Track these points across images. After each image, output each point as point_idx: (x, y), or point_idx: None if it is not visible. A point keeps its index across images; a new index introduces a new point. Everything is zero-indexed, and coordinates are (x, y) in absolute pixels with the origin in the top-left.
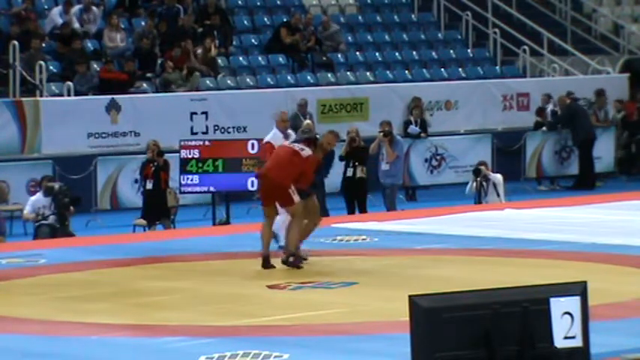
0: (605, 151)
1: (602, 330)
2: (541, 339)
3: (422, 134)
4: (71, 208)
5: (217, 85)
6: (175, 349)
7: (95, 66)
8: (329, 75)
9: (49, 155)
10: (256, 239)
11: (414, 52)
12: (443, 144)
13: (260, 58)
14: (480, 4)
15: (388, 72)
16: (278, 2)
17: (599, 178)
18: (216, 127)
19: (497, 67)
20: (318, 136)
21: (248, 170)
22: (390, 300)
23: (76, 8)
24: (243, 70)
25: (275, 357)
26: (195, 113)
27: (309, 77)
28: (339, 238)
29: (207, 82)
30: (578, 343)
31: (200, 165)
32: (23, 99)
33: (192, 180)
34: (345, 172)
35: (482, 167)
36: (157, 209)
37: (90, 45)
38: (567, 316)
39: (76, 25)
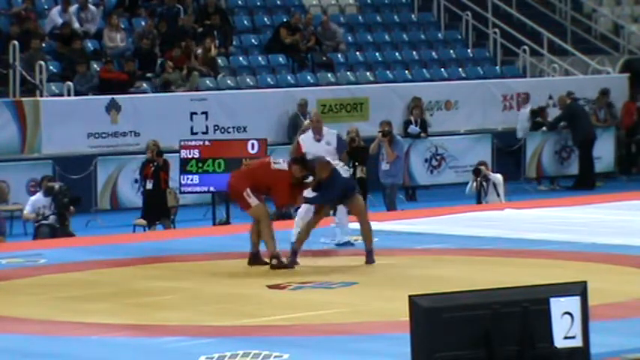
0: (605, 151)
1: (602, 330)
2: (541, 339)
3: (422, 134)
4: (71, 208)
5: (217, 85)
6: (175, 349)
7: (95, 66)
8: (329, 75)
9: (49, 155)
10: None
11: (414, 52)
12: (443, 144)
13: (260, 58)
14: (480, 4)
15: (388, 72)
16: (278, 2)
17: (599, 178)
18: (216, 127)
19: (497, 67)
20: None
21: None
22: (390, 300)
23: (74, 7)
24: (243, 70)
25: (275, 357)
26: (195, 113)
27: (309, 77)
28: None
29: (207, 82)
30: (578, 343)
31: (200, 165)
32: (23, 99)
33: (192, 180)
34: None
35: (483, 167)
36: (157, 209)
37: (90, 45)
38: (567, 316)
39: (76, 25)
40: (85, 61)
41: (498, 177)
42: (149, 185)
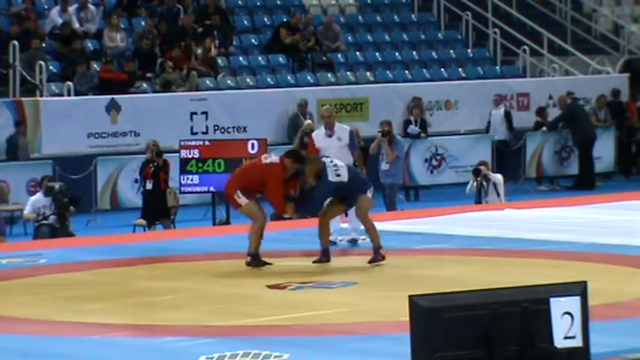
0: (605, 151)
1: (602, 330)
2: (541, 339)
3: (422, 134)
4: (71, 208)
5: (217, 85)
6: (175, 349)
7: (95, 66)
8: (329, 75)
9: (49, 155)
10: None
11: (414, 52)
12: (443, 144)
13: (260, 58)
14: (480, 4)
15: (388, 72)
16: (278, 2)
17: (599, 178)
18: (216, 127)
19: (497, 67)
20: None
21: None
22: (390, 300)
23: (74, 7)
24: (243, 70)
25: (275, 357)
26: (195, 113)
27: (309, 77)
28: (339, 238)
29: (207, 82)
30: (578, 343)
31: (200, 165)
32: (23, 99)
33: (192, 180)
34: None
35: (483, 167)
36: (157, 209)
37: (90, 45)
38: (567, 316)
39: (76, 25)
40: (85, 61)
41: (498, 177)
42: (149, 185)
